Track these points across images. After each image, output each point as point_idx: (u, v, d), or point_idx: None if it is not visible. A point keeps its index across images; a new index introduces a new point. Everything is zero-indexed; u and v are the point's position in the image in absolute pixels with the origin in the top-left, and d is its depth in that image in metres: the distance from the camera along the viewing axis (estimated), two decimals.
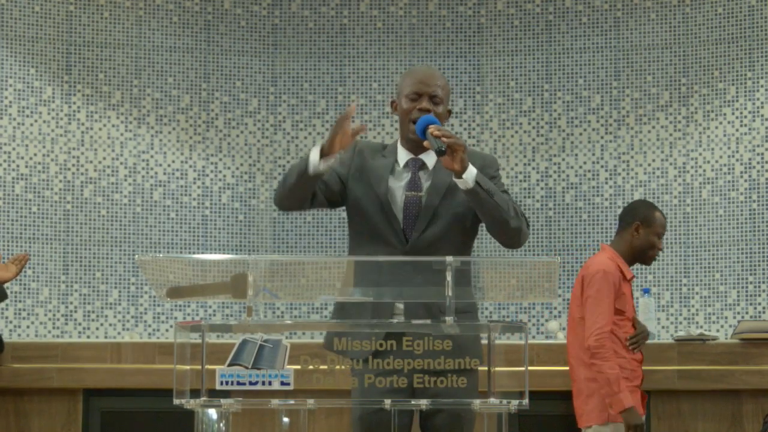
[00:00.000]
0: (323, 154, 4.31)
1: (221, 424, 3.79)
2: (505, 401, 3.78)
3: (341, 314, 4.44)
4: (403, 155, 4.55)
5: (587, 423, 5.70)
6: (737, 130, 7.86)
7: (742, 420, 6.42)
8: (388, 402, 3.87)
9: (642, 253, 5.86)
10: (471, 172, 4.29)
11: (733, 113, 7.88)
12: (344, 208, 4.61)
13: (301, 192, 4.42)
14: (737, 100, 7.88)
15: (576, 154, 8.21)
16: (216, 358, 3.79)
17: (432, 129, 4.27)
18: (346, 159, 4.55)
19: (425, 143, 4.31)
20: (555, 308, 8.08)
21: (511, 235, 4.42)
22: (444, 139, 4.21)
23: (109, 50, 8.09)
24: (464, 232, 4.52)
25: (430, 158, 4.52)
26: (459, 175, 4.29)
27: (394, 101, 4.60)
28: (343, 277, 4.18)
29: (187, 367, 3.78)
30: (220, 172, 8.22)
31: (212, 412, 3.79)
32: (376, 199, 4.48)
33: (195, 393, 3.77)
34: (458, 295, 3.95)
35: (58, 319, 7.84)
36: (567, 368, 6.05)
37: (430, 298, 3.98)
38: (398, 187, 4.51)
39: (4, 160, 7.80)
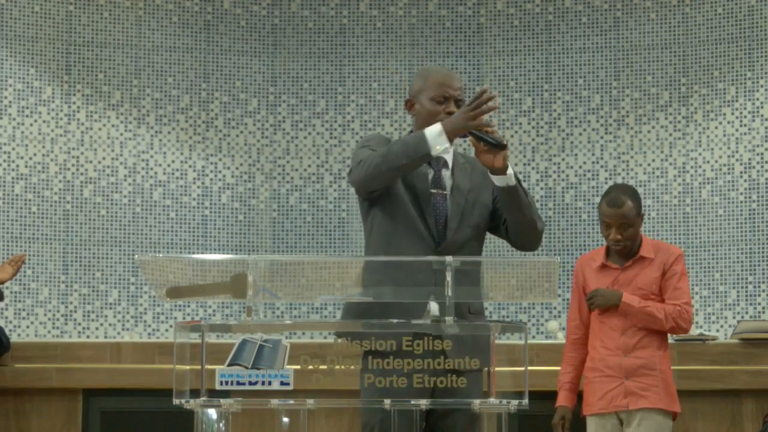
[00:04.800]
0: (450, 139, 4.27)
1: (221, 424, 3.79)
2: (505, 401, 3.78)
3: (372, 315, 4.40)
4: None
5: None
6: (737, 130, 7.86)
7: (742, 420, 6.41)
8: (387, 402, 3.87)
9: None
10: (511, 169, 4.31)
11: (732, 113, 7.89)
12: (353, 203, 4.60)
13: (403, 173, 4.36)
14: (737, 100, 7.88)
15: (576, 154, 8.21)
16: (216, 358, 3.79)
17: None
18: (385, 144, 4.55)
19: (470, 140, 4.31)
20: (555, 308, 8.08)
21: (536, 236, 4.44)
22: (497, 135, 4.23)
23: (109, 50, 8.09)
24: (482, 236, 4.54)
25: (449, 157, 4.52)
26: (502, 172, 4.29)
27: (410, 100, 4.58)
28: (360, 276, 4.17)
29: (187, 367, 3.78)
30: (220, 172, 8.22)
31: (212, 412, 3.79)
32: (415, 196, 4.45)
33: (195, 393, 3.77)
34: (471, 296, 3.97)
35: (58, 319, 7.84)
36: None
37: (460, 297, 3.96)
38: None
39: (4, 160, 7.80)
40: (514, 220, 4.41)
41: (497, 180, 4.31)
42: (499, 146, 4.22)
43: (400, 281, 4.15)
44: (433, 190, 4.47)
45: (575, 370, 5.80)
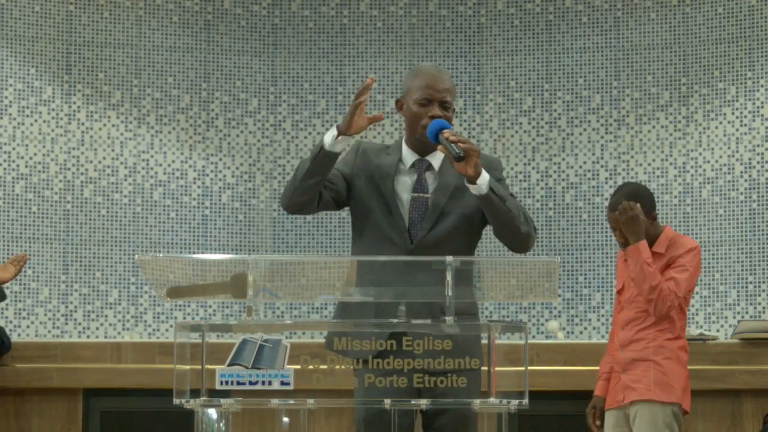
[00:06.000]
0: (339, 134, 4.29)
1: (221, 424, 3.79)
2: (505, 401, 3.78)
3: (343, 314, 4.41)
4: (408, 156, 4.53)
5: None
6: (737, 130, 7.86)
7: (742, 420, 6.41)
8: (388, 402, 3.87)
9: None
10: (484, 177, 4.27)
11: (733, 113, 7.89)
12: (346, 207, 4.60)
13: (314, 181, 4.34)
14: (737, 100, 7.88)
15: (576, 154, 8.21)
16: (216, 358, 3.79)
17: (447, 134, 4.25)
18: (349, 158, 4.54)
19: (439, 147, 4.29)
20: (555, 308, 8.08)
21: (521, 240, 4.41)
22: (460, 145, 4.20)
23: (109, 50, 8.09)
24: (470, 233, 4.51)
25: (436, 159, 4.51)
26: (473, 181, 4.27)
27: (399, 100, 4.57)
28: (345, 277, 4.17)
29: (187, 367, 3.78)
30: (220, 171, 8.22)
31: (212, 412, 3.79)
32: (381, 198, 4.46)
33: (195, 393, 3.77)
34: (460, 295, 3.94)
35: (58, 319, 7.84)
36: (567, 368, 6.06)
37: (430, 297, 3.97)
38: (404, 187, 4.50)
39: (4, 160, 7.81)
40: (493, 225, 4.42)
41: (471, 188, 4.30)
42: (456, 158, 4.20)
43: (370, 282, 4.14)
44: (414, 194, 4.47)
45: (614, 360, 5.78)
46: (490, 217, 4.39)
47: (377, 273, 4.15)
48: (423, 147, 4.50)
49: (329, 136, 4.28)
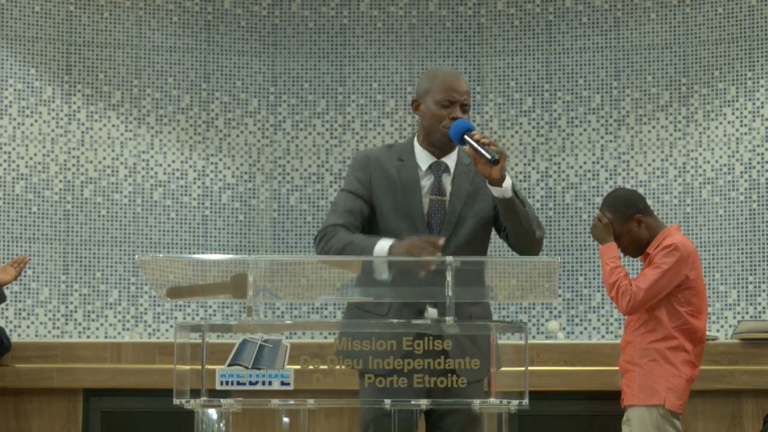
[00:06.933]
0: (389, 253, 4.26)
1: (221, 424, 3.79)
2: (505, 401, 3.78)
3: (369, 314, 4.38)
4: (424, 157, 4.51)
5: None
6: (737, 130, 7.86)
7: (743, 420, 6.41)
8: (388, 402, 3.87)
9: None
10: (508, 180, 4.28)
11: (733, 113, 7.89)
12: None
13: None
14: (737, 100, 7.88)
15: (576, 154, 8.21)
16: (216, 358, 3.79)
17: (477, 136, 4.25)
18: (363, 178, 4.51)
19: (466, 149, 4.28)
20: (555, 308, 8.08)
21: (534, 244, 4.42)
22: (492, 148, 4.20)
23: (109, 50, 8.09)
24: (484, 239, 4.52)
25: (452, 162, 4.50)
26: (498, 184, 4.27)
27: (416, 100, 4.55)
28: (352, 276, 4.17)
29: (187, 367, 3.78)
30: (220, 172, 8.23)
31: (212, 412, 3.79)
32: (408, 212, 4.44)
33: (195, 393, 3.77)
34: (472, 296, 3.96)
35: (58, 319, 7.84)
36: (567, 368, 6.05)
37: (434, 298, 3.96)
38: (423, 191, 4.48)
39: (4, 160, 7.81)
40: (512, 230, 4.41)
41: (494, 191, 4.30)
42: (492, 161, 4.19)
43: (397, 283, 4.14)
44: (432, 197, 4.46)
45: None
46: (510, 221, 4.37)
47: (408, 273, 4.15)
48: (439, 148, 4.48)
49: (384, 270, 4.18)
